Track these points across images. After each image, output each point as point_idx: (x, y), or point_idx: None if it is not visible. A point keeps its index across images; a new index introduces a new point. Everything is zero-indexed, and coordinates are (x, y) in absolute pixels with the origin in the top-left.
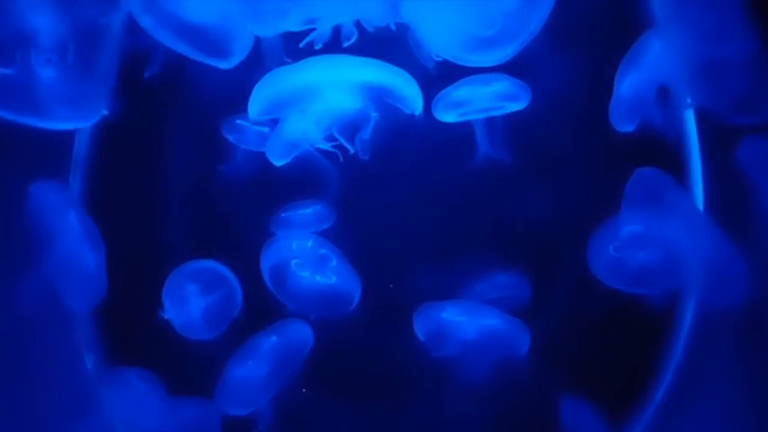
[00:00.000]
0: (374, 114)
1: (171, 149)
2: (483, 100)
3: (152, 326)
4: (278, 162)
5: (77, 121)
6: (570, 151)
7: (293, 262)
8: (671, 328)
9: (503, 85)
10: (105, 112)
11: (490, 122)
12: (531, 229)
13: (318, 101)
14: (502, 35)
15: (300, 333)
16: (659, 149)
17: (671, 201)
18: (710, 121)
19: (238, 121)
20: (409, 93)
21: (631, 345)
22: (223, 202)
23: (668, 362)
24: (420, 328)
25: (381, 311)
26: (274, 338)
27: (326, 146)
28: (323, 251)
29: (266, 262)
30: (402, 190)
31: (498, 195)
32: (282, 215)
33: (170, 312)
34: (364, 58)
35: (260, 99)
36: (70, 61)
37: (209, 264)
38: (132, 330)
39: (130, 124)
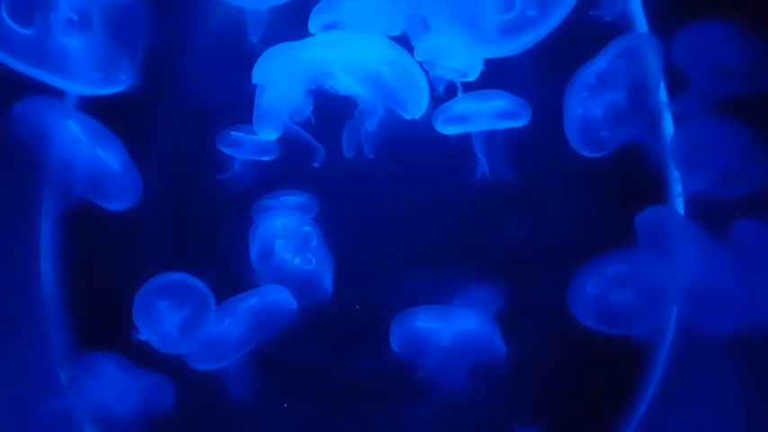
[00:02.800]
0: (379, 109)
1: (154, 156)
2: (483, 115)
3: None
4: (267, 136)
5: (96, 86)
6: (562, 174)
7: (278, 242)
8: (652, 355)
9: (503, 102)
10: (130, 81)
11: (490, 138)
12: (516, 246)
13: (325, 78)
14: (521, 19)
15: (281, 297)
16: (649, 178)
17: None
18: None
19: (233, 134)
20: (416, 94)
21: (610, 371)
22: (206, 211)
23: (648, 389)
24: (395, 340)
25: (355, 321)
26: (254, 300)
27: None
28: (306, 228)
29: (254, 242)
30: (391, 194)
31: (487, 211)
32: (264, 201)
33: (145, 333)
34: (384, 39)
35: (266, 64)
36: (94, 25)
37: (175, 276)
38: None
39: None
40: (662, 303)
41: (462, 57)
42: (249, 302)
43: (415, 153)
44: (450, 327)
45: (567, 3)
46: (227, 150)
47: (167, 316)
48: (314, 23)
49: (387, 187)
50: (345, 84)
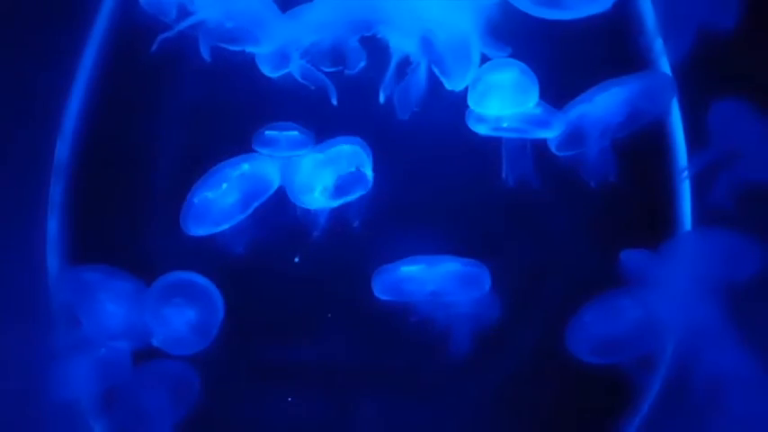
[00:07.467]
0: (424, 69)
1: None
2: (515, 120)
3: None
4: (270, 73)
5: None
6: (584, 195)
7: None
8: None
9: (537, 109)
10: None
11: (521, 144)
12: (517, 258)
13: (378, 25)
14: None
15: (268, 167)
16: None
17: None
18: None
19: (268, 133)
20: (463, 66)
21: (600, 395)
22: None
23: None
24: (379, 288)
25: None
26: (246, 166)
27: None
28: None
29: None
30: (404, 169)
31: (499, 216)
32: (266, 133)
33: (157, 338)
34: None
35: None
36: None
37: (180, 276)
38: None
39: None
40: (657, 338)
41: (514, 98)
42: (242, 169)
43: (442, 140)
44: (435, 268)
45: None
46: (263, 150)
47: (176, 318)
48: None
49: (403, 160)
50: (396, 37)
